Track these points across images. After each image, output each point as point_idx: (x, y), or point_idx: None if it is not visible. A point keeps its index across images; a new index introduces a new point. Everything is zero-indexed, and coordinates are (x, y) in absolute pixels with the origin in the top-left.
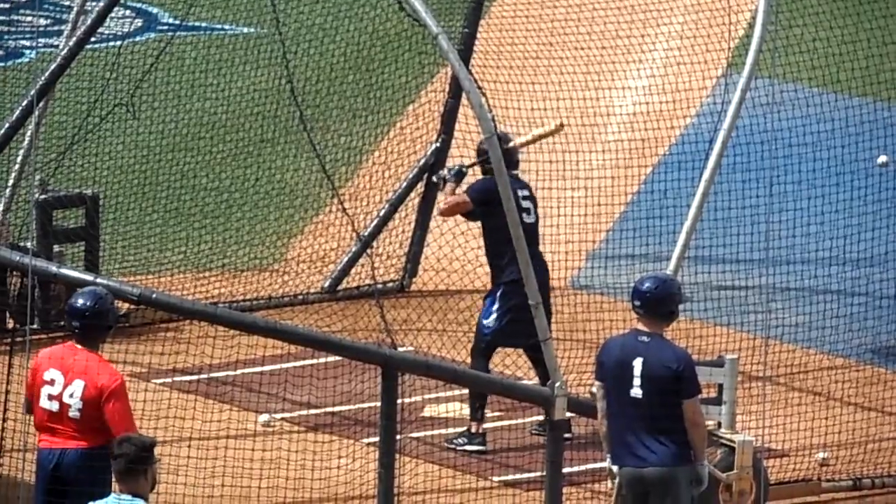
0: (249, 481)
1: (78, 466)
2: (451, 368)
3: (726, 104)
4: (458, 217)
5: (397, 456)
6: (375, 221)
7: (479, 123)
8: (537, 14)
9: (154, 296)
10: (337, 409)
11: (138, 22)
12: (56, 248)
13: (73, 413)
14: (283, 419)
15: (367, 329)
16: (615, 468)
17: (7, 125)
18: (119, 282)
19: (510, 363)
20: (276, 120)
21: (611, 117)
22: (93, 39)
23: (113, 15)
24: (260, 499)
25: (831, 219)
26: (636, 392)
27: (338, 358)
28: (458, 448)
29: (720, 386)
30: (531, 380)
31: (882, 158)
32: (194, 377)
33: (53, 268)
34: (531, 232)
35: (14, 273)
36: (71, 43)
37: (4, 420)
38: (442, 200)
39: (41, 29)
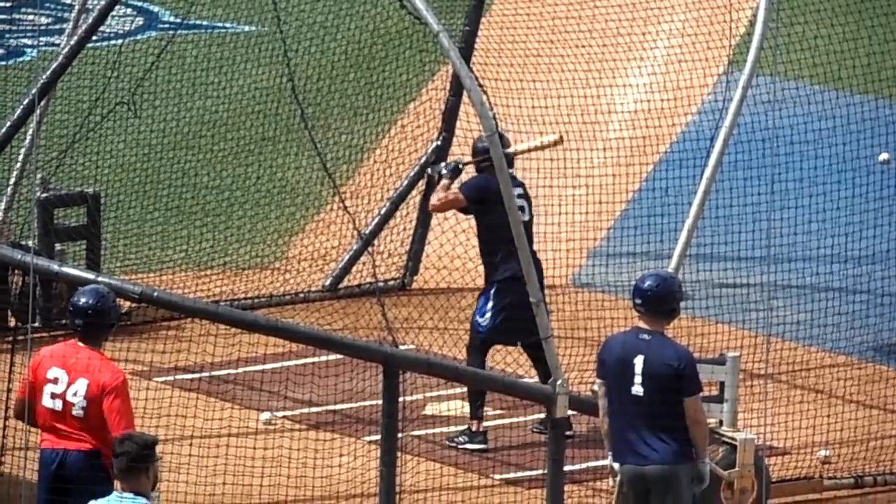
0: (251, 479)
1: (80, 467)
2: (452, 366)
3: (727, 102)
4: (460, 215)
5: (399, 454)
6: (377, 219)
7: (481, 121)
8: (538, 12)
9: (155, 294)
10: (338, 407)
11: (139, 20)
12: (57, 246)
13: (76, 411)
14: (284, 417)
15: (369, 327)
16: (616, 466)
17: (9, 124)
18: (120, 280)
19: (511, 361)
20: (277, 118)
21: (612, 115)
22: (94, 38)
23: (114, 13)
24: (261, 497)
25: (833, 216)
26: (637, 390)
27: (339, 356)
28: (460, 447)
29: (721, 384)
30: (532, 378)
31: (883, 156)
32: (196, 375)
33: (55, 266)
34: (526, 231)
35: (16, 271)
36: (72, 41)
37: (6, 419)
38: (435, 195)
39: (43, 27)
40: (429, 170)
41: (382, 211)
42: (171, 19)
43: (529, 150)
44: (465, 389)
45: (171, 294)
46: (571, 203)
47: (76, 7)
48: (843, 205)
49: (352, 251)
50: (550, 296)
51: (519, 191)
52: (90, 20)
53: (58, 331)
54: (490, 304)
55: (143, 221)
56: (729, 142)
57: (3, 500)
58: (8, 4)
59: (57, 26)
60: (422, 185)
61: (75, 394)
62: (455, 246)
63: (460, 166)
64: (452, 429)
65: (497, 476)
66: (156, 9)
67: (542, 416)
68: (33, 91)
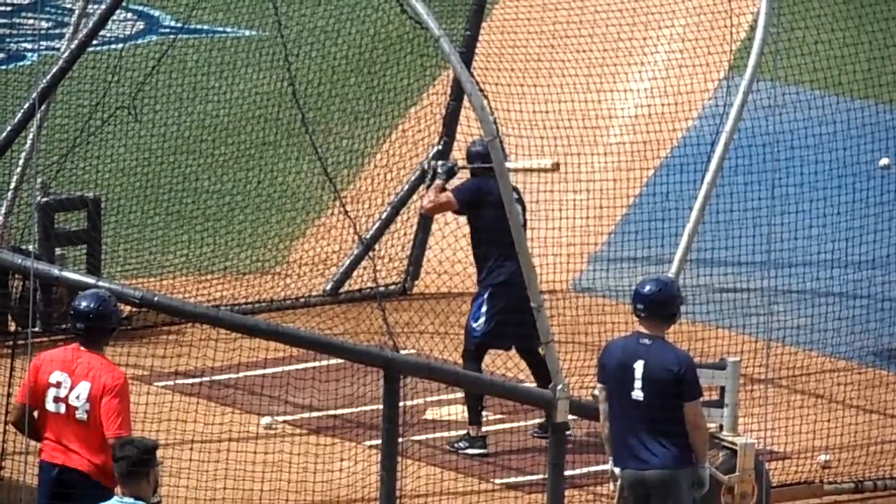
0: (251, 484)
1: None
2: (452, 371)
3: (728, 107)
4: (461, 220)
5: (399, 459)
6: (377, 224)
7: (481, 126)
8: (539, 17)
9: (156, 299)
10: (339, 411)
11: (140, 25)
12: (58, 250)
13: (79, 415)
14: (284, 422)
15: (369, 332)
16: (617, 470)
17: (9, 128)
18: (121, 284)
19: (512, 366)
20: (277, 123)
21: (612, 120)
22: (94, 42)
23: (115, 18)
24: (262, 501)
25: (833, 221)
26: (637, 394)
27: (340, 361)
28: (460, 452)
29: (722, 388)
30: (533, 382)
31: (884, 161)
32: (196, 380)
33: (55, 271)
34: None
35: (16, 276)
36: (73, 46)
37: (6, 423)
38: (426, 196)
39: (43, 32)
40: (424, 164)
41: (383, 215)
42: (172, 24)
43: (523, 170)
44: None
45: (172, 298)
46: (572, 208)
47: (77, 11)
48: (844, 210)
49: (353, 256)
50: (551, 300)
51: (513, 195)
52: (91, 24)
53: (58, 335)
54: (484, 309)
55: (144, 226)
56: (729, 147)
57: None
58: (9, 8)
59: (57, 30)
60: (422, 189)
61: (78, 397)
62: (456, 251)
63: (456, 168)
64: (453, 433)
65: (498, 480)
66: (156, 13)
67: (541, 420)
68: (34, 95)
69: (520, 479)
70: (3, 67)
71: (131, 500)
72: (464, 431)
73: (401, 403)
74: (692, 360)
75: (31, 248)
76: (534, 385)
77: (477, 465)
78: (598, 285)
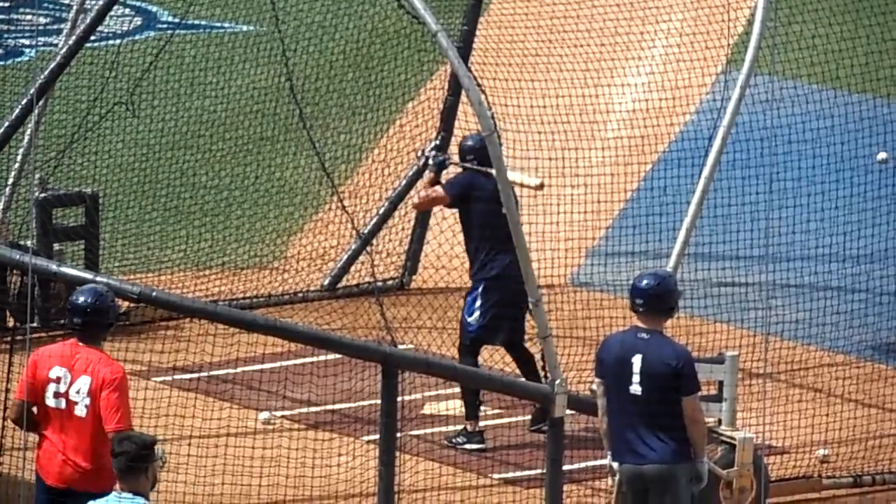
0: (250, 479)
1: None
2: (450, 366)
3: (726, 101)
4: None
5: (397, 453)
6: (375, 219)
7: (479, 121)
8: (536, 11)
9: (154, 294)
10: (337, 406)
11: (138, 20)
12: (56, 246)
13: (79, 410)
14: (283, 417)
15: (367, 327)
16: (615, 465)
17: (7, 124)
18: (119, 280)
19: (509, 360)
20: (275, 118)
21: (610, 114)
22: (92, 38)
23: (112, 13)
24: (260, 497)
25: (831, 215)
26: (636, 389)
27: (338, 356)
28: (458, 447)
29: (720, 383)
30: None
31: (881, 155)
32: (194, 375)
33: (53, 266)
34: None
35: (14, 271)
36: (70, 41)
37: (5, 419)
38: (417, 193)
39: (41, 27)
40: (419, 152)
41: (381, 210)
42: (170, 19)
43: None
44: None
45: (170, 294)
46: (570, 202)
47: (74, 7)
48: (842, 204)
49: (350, 251)
50: (549, 295)
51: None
52: (88, 20)
53: (56, 331)
54: (479, 303)
55: (142, 221)
56: (727, 141)
57: (1, 500)
58: (6, 4)
59: (55, 26)
60: (420, 185)
61: (78, 391)
62: (454, 245)
63: (447, 162)
64: (451, 428)
65: (496, 475)
66: (154, 9)
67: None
68: (31, 91)
69: (518, 473)
70: (1, 63)
71: (130, 495)
72: (461, 426)
73: (399, 398)
74: (690, 354)
75: (29, 243)
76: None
77: (475, 460)
78: (595, 280)
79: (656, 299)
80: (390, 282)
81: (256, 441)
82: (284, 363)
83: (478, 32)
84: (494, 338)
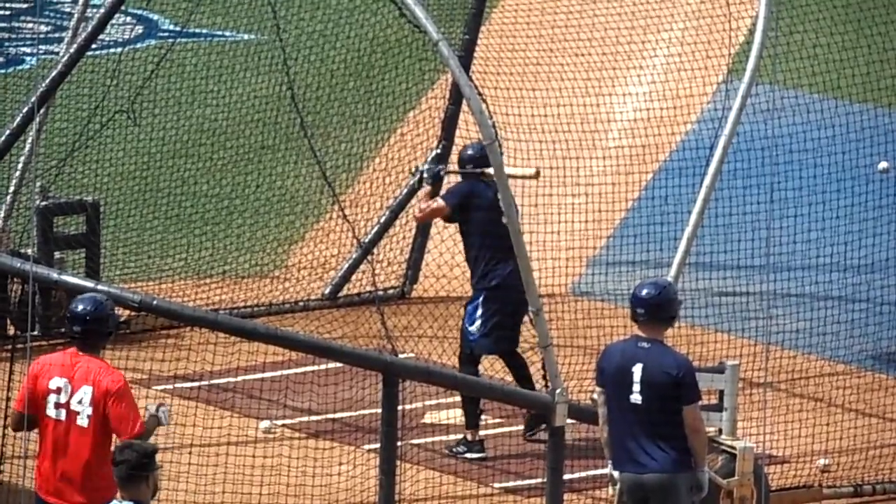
0: (250, 488)
1: None
2: (451, 375)
3: (727, 110)
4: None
5: (398, 462)
6: (376, 228)
7: (480, 130)
8: (538, 20)
9: (155, 302)
10: (338, 415)
11: (139, 29)
12: (57, 254)
13: (81, 420)
14: (283, 426)
15: (368, 336)
16: (616, 474)
17: (8, 132)
18: (120, 288)
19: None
20: (276, 126)
21: (611, 124)
22: (93, 46)
23: (114, 22)
24: None
25: (832, 225)
26: (636, 398)
27: (338, 364)
28: (459, 456)
29: (721, 392)
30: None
31: (883, 165)
32: (195, 384)
33: (54, 274)
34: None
35: (15, 280)
36: (72, 50)
37: (5, 427)
38: (417, 206)
39: (42, 36)
40: (413, 169)
41: (382, 219)
42: (171, 28)
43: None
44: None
45: (171, 302)
46: (571, 212)
47: (75, 15)
48: (843, 214)
49: (351, 260)
50: (550, 304)
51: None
52: (89, 28)
53: (57, 339)
54: (479, 312)
55: (143, 230)
56: (728, 150)
57: None
58: (8, 12)
59: (56, 34)
60: (421, 193)
61: (80, 401)
62: (455, 254)
63: (441, 173)
64: (452, 437)
65: (496, 485)
66: (155, 17)
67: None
68: (32, 99)
69: (519, 482)
70: (2, 71)
71: (130, 503)
72: (462, 436)
73: (399, 407)
74: (691, 363)
75: (30, 251)
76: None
77: (476, 469)
78: (596, 289)
79: (657, 308)
80: (391, 291)
81: (257, 450)
82: (285, 372)
83: (479, 41)
84: (495, 347)
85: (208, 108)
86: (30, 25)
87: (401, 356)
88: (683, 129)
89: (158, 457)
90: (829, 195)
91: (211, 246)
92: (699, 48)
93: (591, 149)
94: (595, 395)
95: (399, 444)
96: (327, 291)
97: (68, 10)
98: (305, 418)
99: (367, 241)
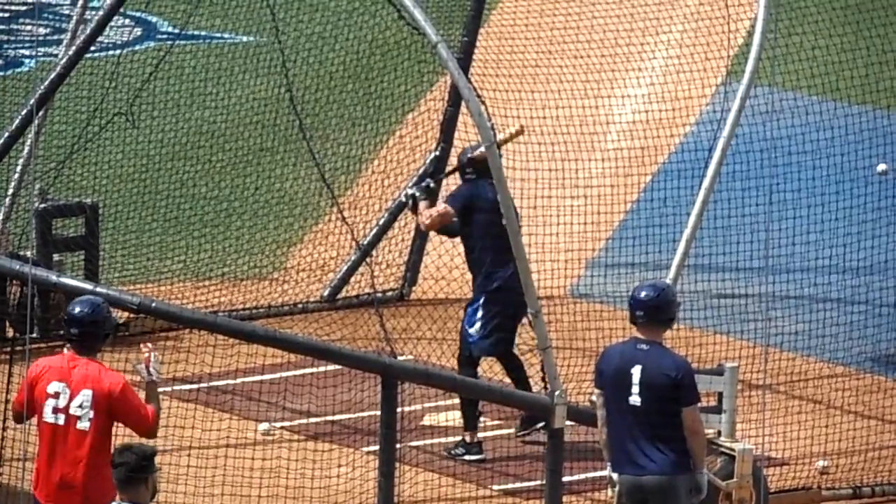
0: (249, 490)
1: None
2: (450, 377)
3: (726, 112)
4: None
5: (397, 464)
6: (375, 230)
7: (479, 132)
8: (537, 22)
9: (154, 304)
10: (337, 417)
11: (138, 31)
12: (56, 256)
13: (81, 424)
14: (282, 428)
15: (367, 338)
16: (615, 476)
17: (6, 134)
18: (119, 290)
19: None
20: (275, 129)
21: (610, 126)
22: (92, 48)
23: (112, 24)
24: None
25: (831, 227)
26: (635, 400)
27: (337, 367)
28: (458, 458)
29: (720, 394)
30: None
31: (881, 167)
32: (194, 386)
33: (53, 277)
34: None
35: (14, 282)
36: (70, 52)
37: (4, 429)
38: (421, 216)
39: (40, 38)
40: (402, 196)
41: (381, 222)
42: (170, 30)
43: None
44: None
45: (170, 304)
46: (570, 213)
47: (74, 17)
48: (842, 215)
49: (350, 262)
50: (549, 306)
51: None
52: (88, 31)
53: (56, 341)
54: (480, 314)
55: (142, 232)
56: (727, 152)
57: None
58: (6, 15)
59: (55, 37)
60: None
61: (80, 405)
62: (454, 256)
63: (431, 185)
64: (451, 439)
65: (495, 487)
66: (154, 19)
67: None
68: (31, 101)
69: (518, 485)
70: (1, 74)
71: None
72: (460, 438)
73: (398, 409)
74: (690, 365)
75: (28, 254)
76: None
77: (475, 471)
78: (595, 291)
79: (655, 310)
80: (390, 293)
81: (256, 452)
82: (284, 374)
83: (478, 43)
84: (494, 350)
85: (207, 110)
86: (28, 28)
87: (400, 358)
88: (682, 131)
89: (157, 459)
90: (828, 197)
91: (210, 248)
92: (698, 50)
93: (589, 151)
94: (594, 397)
95: (398, 446)
96: (326, 293)
97: (67, 12)
98: (304, 420)
99: (365, 243)
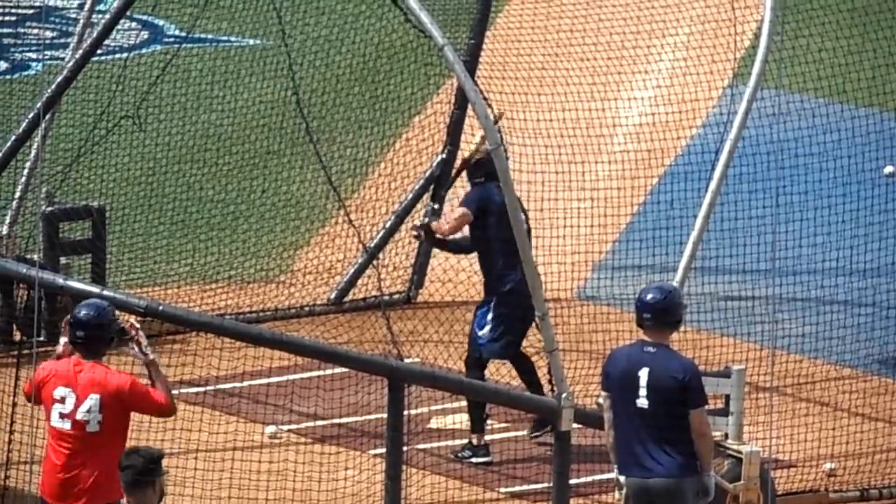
0: (256, 493)
1: None
2: (457, 379)
3: (732, 115)
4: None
5: (404, 467)
6: (382, 233)
7: (485, 135)
8: (543, 25)
9: (161, 308)
10: (343, 420)
11: (144, 34)
12: (63, 260)
13: (91, 427)
14: (289, 431)
15: (374, 340)
16: (622, 479)
17: (14, 138)
18: (126, 294)
19: (516, 374)
20: (282, 132)
21: (617, 128)
22: (99, 52)
23: (119, 27)
24: None
25: (838, 229)
26: (642, 402)
27: (344, 369)
28: (464, 460)
29: (727, 397)
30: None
31: (888, 169)
32: (201, 389)
33: (60, 280)
34: None
35: (21, 285)
36: (77, 55)
37: (11, 433)
38: (440, 227)
39: (47, 41)
40: (414, 233)
41: (387, 224)
42: (176, 33)
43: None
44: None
45: (177, 308)
46: (577, 216)
47: (81, 21)
48: (849, 218)
49: (357, 265)
50: (555, 309)
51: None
52: (95, 34)
53: None
54: (490, 317)
55: (149, 235)
56: (734, 155)
57: None
58: (13, 18)
59: (62, 40)
60: (426, 198)
61: (88, 410)
62: (460, 259)
63: (436, 207)
64: (457, 442)
65: (502, 489)
66: (161, 23)
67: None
68: (38, 105)
69: (524, 487)
70: (8, 77)
71: None
72: (467, 440)
73: (405, 412)
74: (697, 367)
75: (35, 257)
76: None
77: (482, 473)
78: (602, 293)
79: (663, 313)
80: (397, 295)
81: (263, 455)
82: (291, 377)
83: (484, 46)
84: (504, 352)
85: (214, 113)
86: (35, 31)
87: (406, 361)
88: (689, 134)
89: (165, 462)
90: (834, 199)
91: (217, 251)
92: (704, 52)
93: (596, 153)
94: (601, 400)
95: (405, 448)
96: (333, 296)
97: (74, 15)
98: (311, 423)
99: (372, 245)
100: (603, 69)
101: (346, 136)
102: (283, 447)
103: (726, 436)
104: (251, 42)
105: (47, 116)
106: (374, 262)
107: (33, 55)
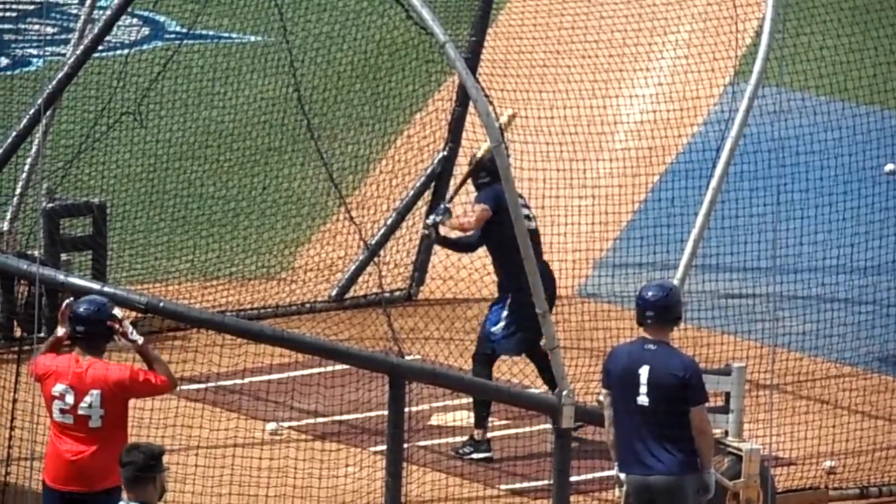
0: (257, 490)
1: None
2: (458, 377)
3: (734, 112)
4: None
5: (404, 464)
6: (383, 230)
7: (487, 132)
8: (545, 22)
9: (161, 304)
10: (344, 417)
11: (145, 30)
12: (63, 256)
13: (93, 423)
14: (290, 428)
15: (375, 337)
16: (622, 476)
17: (14, 134)
18: (126, 290)
19: (517, 371)
20: (283, 128)
21: (618, 126)
22: (100, 48)
23: (120, 23)
24: None
25: (839, 227)
26: (643, 400)
27: (345, 366)
28: (465, 457)
29: (727, 394)
30: (538, 388)
31: (889, 167)
32: (202, 385)
33: (61, 276)
34: (533, 241)
35: (21, 281)
36: (78, 51)
37: (12, 429)
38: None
39: (48, 37)
40: (425, 231)
41: (388, 221)
42: (178, 29)
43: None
44: (470, 399)
45: (177, 304)
46: (578, 214)
47: (82, 17)
48: (849, 215)
49: (358, 261)
50: (557, 306)
51: (521, 201)
52: (96, 30)
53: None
54: (505, 313)
55: (149, 231)
56: (735, 152)
57: None
58: (14, 14)
59: (63, 36)
60: (428, 195)
61: (90, 406)
62: (461, 256)
63: (448, 207)
64: (458, 439)
65: (503, 486)
66: (162, 19)
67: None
68: (39, 101)
69: (525, 484)
70: (9, 73)
71: None
72: (468, 437)
73: (406, 409)
74: (697, 365)
75: (36, 253)
76: (540, 390)
77: (482, 470)
78: (603, 291)
79: (664, 310)
80: (398, 292)
81: (263, 451)
82: (292, 374)
83: (486, 43)
84: (518, 348)
85: (215, 109)
86: (36, 27)
87: (407, 358)
88: (690, 132)
89: (165, 458)
90: (835, 197)
91: (217, 248)
92: (706, 50)
93: (597, 151)
94: (601, 397)
95: (405, 445)
96: (334, 293)
97: (75, 11)
98: (312, 420)
99: (373, 242)
100: (604, 66)
101: (348, 132)
102: (284, 444)
103: (726, 433)
104: (252, 38)
105: (48, 113)
106: (376, 259)
107: (34, 51)
